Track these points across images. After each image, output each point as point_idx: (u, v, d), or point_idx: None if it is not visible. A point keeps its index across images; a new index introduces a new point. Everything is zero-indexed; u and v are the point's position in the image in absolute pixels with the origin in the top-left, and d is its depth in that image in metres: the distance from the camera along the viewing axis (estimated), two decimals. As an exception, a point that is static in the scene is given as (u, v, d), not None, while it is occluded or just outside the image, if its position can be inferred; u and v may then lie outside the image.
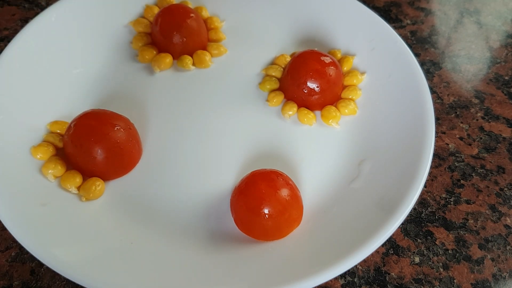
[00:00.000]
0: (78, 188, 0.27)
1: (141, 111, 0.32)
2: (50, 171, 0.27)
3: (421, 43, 0.39)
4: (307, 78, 0.31)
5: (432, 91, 0.36)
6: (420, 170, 0.26)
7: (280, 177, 0.27)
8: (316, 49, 0.34)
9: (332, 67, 0.32)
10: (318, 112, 0.32)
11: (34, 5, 0.40)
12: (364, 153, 0.30)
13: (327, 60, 0.32)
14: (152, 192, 0.28)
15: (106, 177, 0.28)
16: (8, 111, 0.28)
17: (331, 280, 0.27)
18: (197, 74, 0.34)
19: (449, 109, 0.35)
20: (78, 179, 0.27)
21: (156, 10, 0.36)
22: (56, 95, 0.31)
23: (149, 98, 0.33)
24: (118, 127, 0.28)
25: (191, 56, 0.34)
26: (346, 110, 0.32)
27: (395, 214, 0.25)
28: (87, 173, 0.28)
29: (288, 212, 0.26)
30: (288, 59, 0.34)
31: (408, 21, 0.41)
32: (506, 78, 0.37)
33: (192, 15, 0.34)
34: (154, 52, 0.34)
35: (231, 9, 0.37)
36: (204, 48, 0.35)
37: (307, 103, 0.32)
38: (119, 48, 0.35)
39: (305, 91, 0.32)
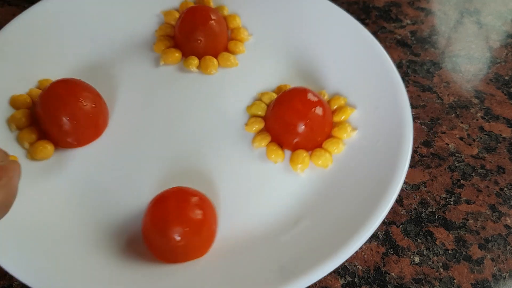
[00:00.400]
0: (31, 144, 0.29)
1: (120, 93, 0.33)
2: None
3: (421, 43, 0.39)
4: (288, 118, 0.30)
5: (432, 91, 0.36)
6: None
7: (185, 197, 0.26)
8: (309, 87, 0.32)
9: (316, 113, 0.30)
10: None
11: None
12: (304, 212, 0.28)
13: (312, 102, 0.30)
14: (103, 175, 0.29)
15: (60, 144, 0.30)
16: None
17: (331, 280, 0.27)
18: (195, 78, 0.34)
19: (449, 109, 0.35)
20: (34, 136, 0.29)
21: (176, 15, 0.36)
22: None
23: (135, 84, 0.33)
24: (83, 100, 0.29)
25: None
26: (319, 161, 0.30)
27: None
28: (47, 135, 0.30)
29: (189, 236, 0.25)
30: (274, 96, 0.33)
31: (408, 21, 0.41)
32: (506, 78, 0.37)
33: (212, 20, 0.34)
34: (177, 54, 0.34)
35: (264, 26, 0.36)
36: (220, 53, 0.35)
37: (281, 139, 0.31)
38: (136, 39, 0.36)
39: (284, 129, 0.30)
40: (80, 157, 0.30)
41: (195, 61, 0.34)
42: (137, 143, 0.31)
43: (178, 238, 0.24)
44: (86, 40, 0.35)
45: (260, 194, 0.29)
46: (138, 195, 0.28)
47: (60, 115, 0.29)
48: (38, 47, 0.33)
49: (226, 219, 0.27)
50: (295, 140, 0.30)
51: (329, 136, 0.31)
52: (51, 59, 0.33)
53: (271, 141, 0.31)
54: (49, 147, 0.29)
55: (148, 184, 0.29)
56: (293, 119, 0.30)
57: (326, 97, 0.32)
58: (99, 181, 0.29)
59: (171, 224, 0.25)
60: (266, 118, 0.32)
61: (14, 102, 0.30)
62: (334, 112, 0.32)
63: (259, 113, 0.32)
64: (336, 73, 0.33)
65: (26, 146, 0.29)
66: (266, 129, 0.31)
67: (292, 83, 0.33)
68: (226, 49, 0.35)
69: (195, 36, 0.34)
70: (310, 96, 0.30)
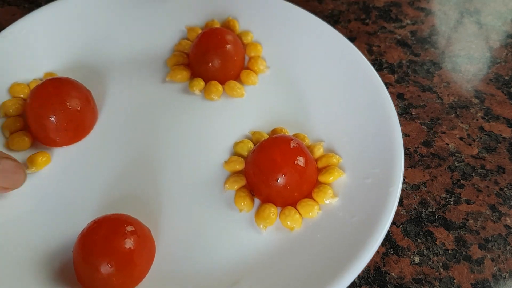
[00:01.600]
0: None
1: (113, 100, 0.33)
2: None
3: (421, 43, 0.39)
4: (263, 167, 0.28)
5: (432, 91, 0.36)
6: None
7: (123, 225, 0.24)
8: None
9: (295, 168, 0.27)
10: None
11: (34, 5, 0.40)
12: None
13: (293, 156, 0.27)
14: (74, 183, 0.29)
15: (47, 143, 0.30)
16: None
17: (331, 280, 0.27)
18: (194, 100, 0.33)
19: (449, 109, 0.35)
20: (18, 125, 0.30)
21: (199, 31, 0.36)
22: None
23: (134, 94, 0.33)
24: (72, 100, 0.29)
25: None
26: (287, 222, 0.27)
27: None
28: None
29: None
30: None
31: (408, 21, 0.41)
32: (506, 78, 0.37)
33: (227, 45, 0.33)
34: (185, 73, 0.34)
35: (283, 62, 0.35)
36: (234, 79, 0.34)
37: (254, 187, 0.28)
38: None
39: (258, 177, 0.28)
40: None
41: (200, 83, 0.33)
42: (104, 157, 0.30)
43: (104, 270, 0.23)
44: (104, 41, 0.35)
45: (211, 238, 0.27)
46: (79, 219, 0.26)
47: (41, 112, 0.29)
48: (53, 40, 0.34)
49: (167, 253, 0.26)
50: (267, 192, 0.28)
51: (307, 196, 0.28)
52: (63, 54, 0.34)
53: (243, 186, 0.28)
54: (27, 140, 0.30)
55: (93, 207, 0.27)
56: (267, 169, 0.27)
57: (320, 151, 0.30)
58: (44, 197, 0.28)
59: (96, 256, 0.23)
60: (246, 160, 0.29)
61: (13, 89, 0.31)
62: (321, 170, 0.29)
63: (244, 153, 0.30)
64: (340, 130, 0.31)
65: (6, 135, 0.30)
66: (244, 172, 0.29)
67: (291, 129, 0.31)
68: (238, 77, 0.34)
69: (206, 59, 0.33)
70: (294, 149, 0.28)
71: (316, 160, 0.29)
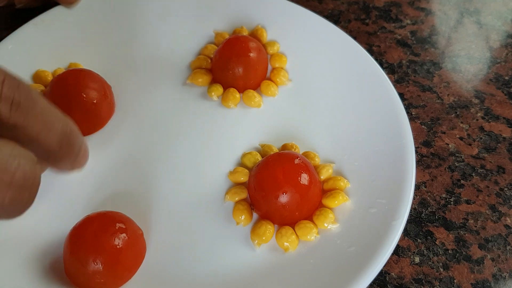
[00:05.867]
0: None
1: (132, 98, 0.33)
2: None
3: (421, 43, 0.39)
4: (264, 183, 0.27)
5: (432, 91, 0.36)
6: None
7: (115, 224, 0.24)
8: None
9: (297, 188, 0.26)
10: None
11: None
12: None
13: (297, 176, 0.27)
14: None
15: None
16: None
17: (331, 280, 0.27)
18: (211, 106, 0.33)
19: (449, 109, 0.35)
20: None
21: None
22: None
23: (151, 94, 0.33)
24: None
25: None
26: (283, 242, 0.26)
27: None
28: None
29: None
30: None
31: (408, 21, 0.41)
32: (506, 78, 0.37)
33: (250, 54, 0.32)
34: (205, 77, 0.33)
35: (306, 76, 0.34)
36: (253, 88, 0.33)
37: (254, 201, 0.28)
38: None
39: (258, 193, 0.27)
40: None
41: (219, 89, 0.33)
42: (110, 154, 0.30)
43: (90, 266, 0.23)
44: (132, 38, 0.35)
45: (203, 248, 0.26)
46: (77, 215, 0.26)
47: (57, 101, 0.29)
48: (83, 32, 0.34)
49: (157, 257, 0.26)
50: (266, 209, 0.27)
51: (307, 217, 0.27)
52: (90, 46, 0.34)
53: (244, 199, 0.28)
54: None
55: (92, 203, 0.27)
56: (268, 186, 0.26)
57: (329, 173, 0.29)
58: (43, 191, 0.27)
59: (83, 250, 0.23)
60: (250, 173, 0.29)
61: (36, 76, 0.32)
62: (326, 192, 0.28)
63: (250, 165, 0.29)
64: (353, 154, 0.30)
65: None
66: (247, 185, 0.28)
67: (302, 146, 0.30)
68: (258, 87, 0.33)
69: (227, 65, 0.32)
70: (298, 167, 0.27)
71: (323, 181, 0.28)
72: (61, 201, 0.28)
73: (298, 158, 0.27)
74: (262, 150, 0.30)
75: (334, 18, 0.41)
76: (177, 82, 0.34)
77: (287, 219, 0.27)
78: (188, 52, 0.35)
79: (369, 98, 0.31)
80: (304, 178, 0.26)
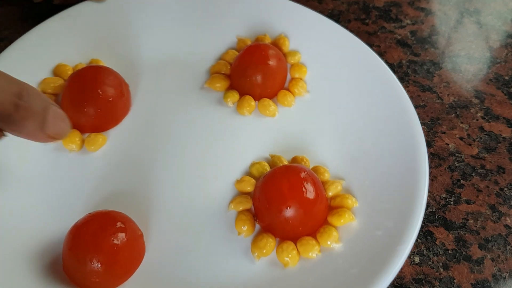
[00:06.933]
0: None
1: (149, 97, 0.33)
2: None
3: (421, 43, 0.39)
4: (268, 195, 0.26)
5: (432, 91, 0.36)
6: None
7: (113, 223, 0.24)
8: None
9: (302, 203, 0.26)
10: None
11: (34, 5, 0.40)
12: None
13: (302, 189, 0.26)
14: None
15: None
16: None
17: (331, 280, 0.27)
18: (225, 112, 0.32)
19: (449, 109, 0.35)
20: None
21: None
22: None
23: (169, 95, 0.33)
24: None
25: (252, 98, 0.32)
26: (284, 257, 0.26)
27: None
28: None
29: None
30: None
31: (408, 21, 0.41)
32: (506, 78, 0.37)
33: (268, 64, 0.32)
34: (223, 82, 0.33)
35: (324, 89, 0.33)
36: (270, 96, 0.33)
37: (257, 213, 0.27)
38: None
39: (262, 205, 0.27)
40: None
41: (235, 96, 0.32)
42: (118, 153, 0.30)
43: (87, 264, 0.23)
44: (155, 39, 0.35)
45: (203, 255, 0.26)
46: (72, 214, 0.26)
47: (73, 96, 0.30)
48: (107, 30, 0.34)
49: (156, 260, 0.26)
50: (269, 221, 0.26)
51: (310, 234, 0.26)
52: (113, 44, 0.34)
53: (248, 210, 0.27)
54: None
55: (94, 202, 0.28)
56: (272, 198, 0.26)
57: (338, 189, 0.28)
58: (46, 186, 0.28)
59: (81, 248, 0.24)
60: (256, 184, 0.28)
61: (57, 69, 0.32)
62: (332, 209, 0.27)
63: (258, 175, 0.29)
64: (365, 172, 0.29)
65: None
66: (252, 195, 0.28)
67: (313, 160, 0.30)
68: (275, 96, 0.33)
69: (245, 72, 0.32)
70: (305, 183, 0.26)
71: (330, 198, 0.28)
72: (64, 198, 0.28)
73: (306, 172, 0.27)
74: (271, 161, 0.30)
75: (334, 18, 0.41)
76: (195, 85, 0.34)
77: (290, 234, 0.26)
78: (209, 56, 0.35)
79: (387, 118, 0.30)
80: (310, 193, 0.26)
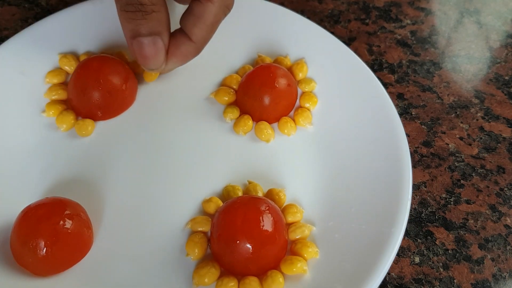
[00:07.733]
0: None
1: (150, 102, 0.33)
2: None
3: (421, 43, 0.39)
4: (222, 230, 0.25)
5: (432, 91, 0.36)
6: None
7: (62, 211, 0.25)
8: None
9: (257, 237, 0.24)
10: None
11: (34, 5, 0.40)
12: None
13: (255, 226, 0.24)
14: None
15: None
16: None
17: (331, 280, 0.26)
18: (220, 127, 0.31)
19: (449, 109, 0.35)
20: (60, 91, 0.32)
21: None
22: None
23: (173, 103, 0.33)
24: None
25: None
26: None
27: None
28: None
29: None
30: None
31: (408, 21, 0.41)
32: (506, 78, 0.37)
33: (274, 89, 0.30)
34: (226, 98, 0.32)
35: (327, 123, 0.31)
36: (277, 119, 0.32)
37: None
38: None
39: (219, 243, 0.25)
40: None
41: (235, 112, 0.31)
42: (103, 145, 0.30)
43: (31, 246, 0.24)
44: None
45: (145, 264, 0.25)
46: (31, 197, 0.27)
47: (78, 84, 0.31)
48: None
49: (102, 254, 0.26)
50: (217, 251, 0.25)
51: (256, 274, 0.25)
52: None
53: (205, 233, 0.26)
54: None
55: (48, 188, 0.28)
56: (222, 229, 0.25)
57: (305, 234, 0.26)
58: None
59: (25, 230, 0.24)
60: (218, 208, 0.27)
61: (63, 60, 0.33)
62: (290, 253, 0.26)
63: (227, 198, 0.27)
64: (340, 226, 0.27)
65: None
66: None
67: (291, 197, 0.28)
68: (276, 121, 0.31)
69: (247, 91, 0.31)
70: (263, 215, 0.25)
71: (293, 241, 0.26)
72: (31, 177, 0.28)
73: (265, 205, 0.25)
74: (247, 187, 0.28)
75: (334, 18, 0.41)
76: (201, 94, 0.33)
77: (236, 268, 0.25)
78: (225, 68, 0.34)
79: (385, 178, 0.27)
80: (263, 232, 0.24)
